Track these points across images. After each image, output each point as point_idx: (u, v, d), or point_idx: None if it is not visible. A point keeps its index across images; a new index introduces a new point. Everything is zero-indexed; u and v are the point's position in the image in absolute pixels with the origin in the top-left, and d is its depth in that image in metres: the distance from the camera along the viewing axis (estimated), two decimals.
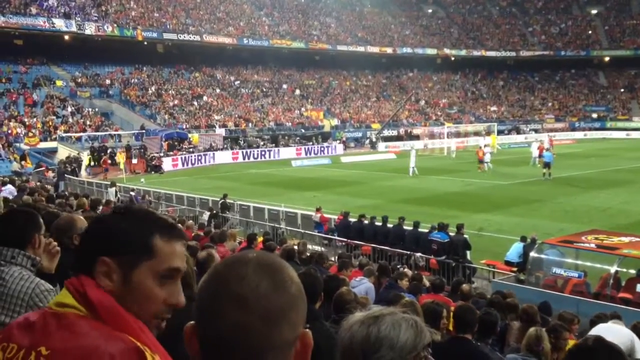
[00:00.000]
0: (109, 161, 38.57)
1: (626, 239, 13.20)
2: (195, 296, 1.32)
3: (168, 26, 59.63)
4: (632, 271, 12.29)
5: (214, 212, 21.25)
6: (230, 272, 1.27)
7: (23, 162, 36.04)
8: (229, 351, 1.23)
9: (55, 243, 3.65)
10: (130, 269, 1.46)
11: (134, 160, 40.61)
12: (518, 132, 66.29)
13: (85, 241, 1.54)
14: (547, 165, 32.28)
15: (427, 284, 10.30)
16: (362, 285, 8.53)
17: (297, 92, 65.43)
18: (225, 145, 48.32)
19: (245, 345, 1.22)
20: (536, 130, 67.15)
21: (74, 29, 51.03)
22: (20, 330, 1.48)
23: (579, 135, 65.83)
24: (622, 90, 78.03)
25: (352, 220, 18.35)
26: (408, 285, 9.55)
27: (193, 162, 43.44)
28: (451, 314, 7.60)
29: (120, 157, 38.19)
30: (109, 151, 40.29)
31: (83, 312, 1.44)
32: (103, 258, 1.45)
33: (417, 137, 57.65)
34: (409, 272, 11.67)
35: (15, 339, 1.46)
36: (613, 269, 12.08)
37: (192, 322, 1.29)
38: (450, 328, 7.18)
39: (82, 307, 1.44)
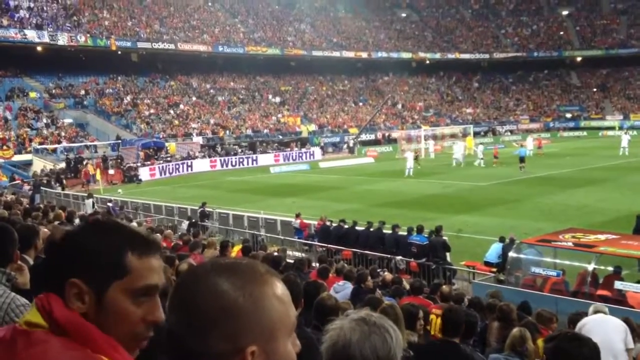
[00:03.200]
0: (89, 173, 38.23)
1: (603, 237, 13.34)
2: None
3: (142, 35, 59.25)
4: (610, 268, 12.43)
5: (193, 220, 21.15)
6: (181, 278, 1.27)
7: None
8: (173, 352, 1.22)
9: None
10: (102, 289, 1.37)
11: (111, 171, 40.26)
12: (494, 133, 66.86)
13: (53, 258, 1.44)
14: (522, 159, 35.85)
15: (407, 286, 10.32)
16: (345, 290, 8.53)
17: (275, 98, 65.41)
18: (202, 153, 48.10)
19: (179, 348, 1.20)
20: (512, 131, 67.86)
21: (46, 39, 50.50)
22: None
23: (553, 135, 66.56)
24: (595, 89, 79.11)
25: (332, 225, 18.37)
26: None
27: (171, 171, 43.16)
28: (432, 316, 7.64)
29: (91, 169, 37.80)
30: (85, 162, 39.90)
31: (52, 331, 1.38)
32: (73, 280, 1.36)
33: (394, 141, 57.88)
34: (389, 276, 11.70)
35: None
36: (591, 267, 12.22)
37: None
38: (435, 331, 7.21)
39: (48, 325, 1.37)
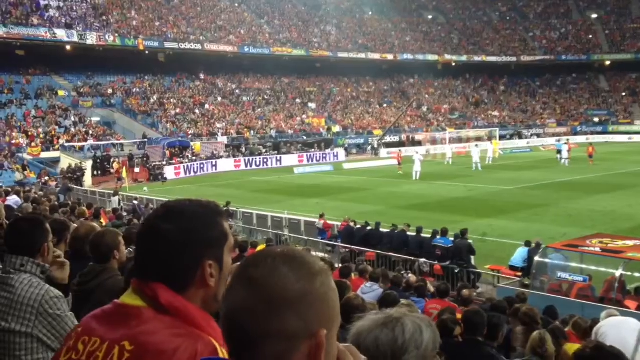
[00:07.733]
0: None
1: (630, 243, 13.16)
2: None
3: (169, 35, 59.78)
4: (637, 274, 12.26)
5: None
6: (252, 258, 1.32)
7: (25, 172, 36.09)
8: (230, 332, 1.26)
9: (61, 253, 3.65)
10: (221, 257, 1.62)
11: (137, 169, 40.65)
12: (520, 137, 66.26)
13: (160, 250, 1.56)
14: (559, 152, 42.73)
15: (432, 289, 10.27)
16: (373, 292, 8.49)
17: (299, 99, 65.53)
18: (227, 153, 48.35)
19: (243, 327, 1.23)
20: (538, 135, 67.13)
21: (75, 39, 51.18)
22: (99, 324, 1.55)
23: (581, 139, 65.68)
24: (624, 94, 77.99)
25: (356, 226, 18.35)
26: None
27: (195, 170, 43.46)
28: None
29: (117, 166, 38.20)
30: (112, 160, 40.37)
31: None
32: (208, 262, 1.56)
33: (419, 143, 57.57)
34: (414, 278, 11.65)
35: (96, 332, 1.53)
36: (618, 273, 12.05)
37: None
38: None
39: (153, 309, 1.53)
